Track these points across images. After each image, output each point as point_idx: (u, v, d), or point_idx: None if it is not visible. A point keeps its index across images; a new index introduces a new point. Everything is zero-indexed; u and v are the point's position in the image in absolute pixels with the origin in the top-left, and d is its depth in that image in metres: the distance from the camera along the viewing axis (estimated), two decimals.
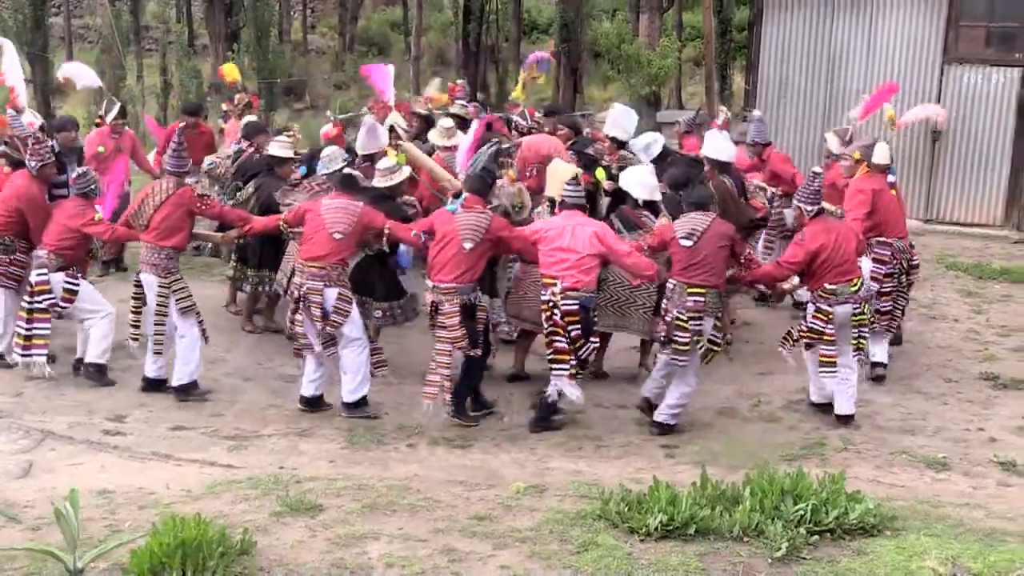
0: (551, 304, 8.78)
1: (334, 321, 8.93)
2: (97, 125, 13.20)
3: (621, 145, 11.61)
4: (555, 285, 8.76)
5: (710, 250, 8.77)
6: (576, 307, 8.76)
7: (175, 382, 9.46)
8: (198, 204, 9.53)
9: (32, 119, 11.66)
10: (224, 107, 15.28)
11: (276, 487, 7.20)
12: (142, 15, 30.89)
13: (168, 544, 5.58)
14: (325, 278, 8.91)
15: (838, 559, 5.98)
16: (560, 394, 8.87)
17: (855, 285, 9.10)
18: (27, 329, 9.56)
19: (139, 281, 9.50)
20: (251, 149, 11.72)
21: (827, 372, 9.09)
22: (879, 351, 10.22)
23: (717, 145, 10.89)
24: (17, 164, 10.23)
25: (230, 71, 15.79)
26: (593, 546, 6.12)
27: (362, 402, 9.21)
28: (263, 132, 12.04)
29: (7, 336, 9.96)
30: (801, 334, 9.28)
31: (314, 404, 9.32)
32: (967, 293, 13.51)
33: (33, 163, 9.82)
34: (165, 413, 9.11)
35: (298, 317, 9.07)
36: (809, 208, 9.20)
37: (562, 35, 26.90)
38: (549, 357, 8.97)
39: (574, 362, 8.81)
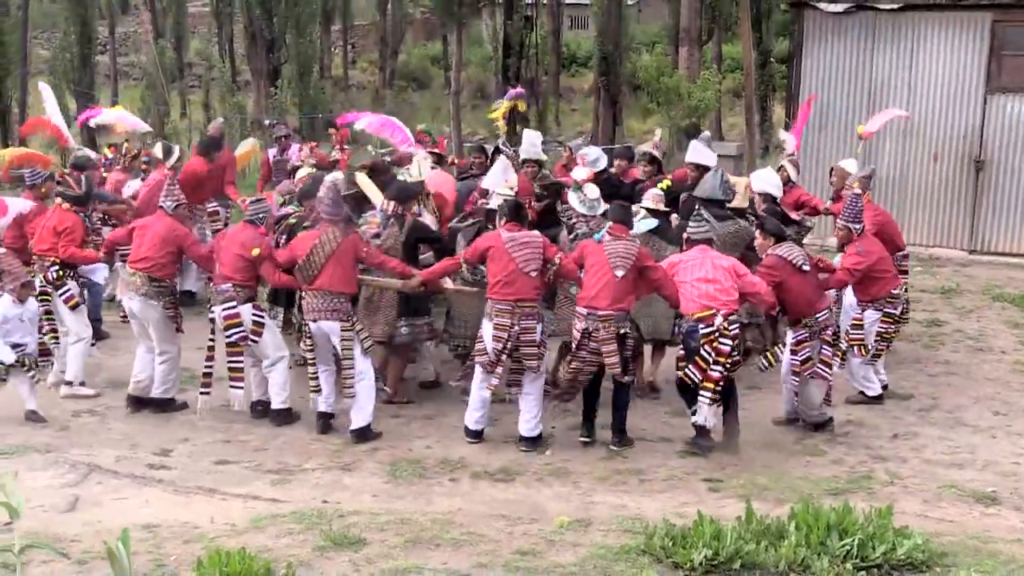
0: (715, 335, 8.81)
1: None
2: (144, 171, 13.28)
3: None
4: (715, 315, 8.83)
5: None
6: (737, 331, 9.01)
7: (357, 424, 9.38)
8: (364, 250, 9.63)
9: (93, 157, 12.00)
10: (109, 154, 14.28)
11: (320, 521, 7.23)
12: (186, 52, 31.34)
13: None
14: None
15: None
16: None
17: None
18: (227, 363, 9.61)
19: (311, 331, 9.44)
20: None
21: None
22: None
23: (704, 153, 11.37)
24: (74, 200, 10.50)
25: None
26: None
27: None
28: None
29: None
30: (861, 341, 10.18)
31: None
32: (1014, 324, 13.36)
33: (168, 203, 10.00)
34: (209, 447, 9.16)
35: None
36: (857, 227, 10.11)
37: (601, 68, 27.03)
38: (703, 384, 8.86)
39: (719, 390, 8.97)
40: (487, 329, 9.15)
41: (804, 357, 9.37)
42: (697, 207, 10.01)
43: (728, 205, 10.57)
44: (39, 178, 11.34)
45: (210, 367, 9.69)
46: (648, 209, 10.27)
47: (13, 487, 4.34)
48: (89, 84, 25.32)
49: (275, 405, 9.79)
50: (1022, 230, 16.95)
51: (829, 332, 9.47)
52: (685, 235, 9.44)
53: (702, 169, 11.07)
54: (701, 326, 8.84)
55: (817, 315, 9.39)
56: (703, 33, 26.83)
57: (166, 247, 9.83)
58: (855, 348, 10.19)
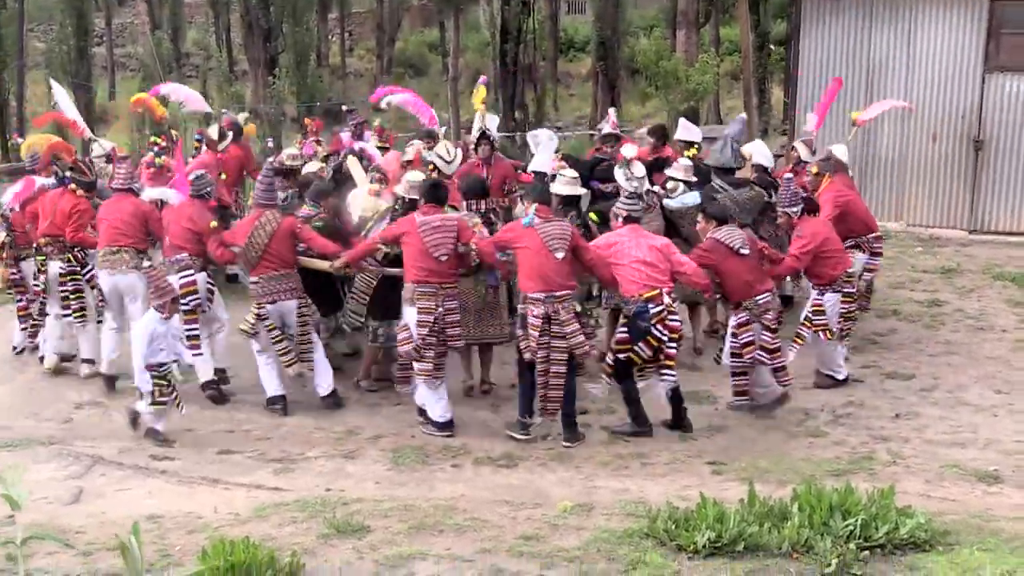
0: (665, 312, 8.90)
1: None
2: (196, 150, 13.67)
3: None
4: (662, 294, 8.94)
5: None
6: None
7: (325, 391, 9.91)
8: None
9: (105, 147, 12.37)
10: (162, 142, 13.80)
11: (323, 509, 7.24)
12: (183, 43, 31.28)
13: (217, 567, 5.62)
14: None
15: (889, 575, 5.92)
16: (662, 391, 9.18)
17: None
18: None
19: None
20: None
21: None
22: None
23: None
24: (87, 187, 10.84)
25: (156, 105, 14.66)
26: (641, 564, 6.10)
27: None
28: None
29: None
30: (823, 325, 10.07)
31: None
32: (1015, 303, 13.35)
33: (138, 186, 10.83)
34: (212, 437, 9.18)
35: None
36: (794, 210, 10.14)
37: (599, 52, 27.01)
38: (664, 363, 9.04)
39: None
40: (411, 314, 9.13)
41: (745, 340, 9.38)
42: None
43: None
44: (39, 164, 11.55)
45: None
46: (680, 181, 10.82)
47: (16, 479, 4.35)
48: (86, 76, 25.32)
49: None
50: (1022, 209, 16.91)
51: (770, 316, 9.41)
52: (623, 211, 9.32)
53: (689, 146, 11.60)
54: (651, 305, 8.90)
55: (757, 298, 9.36)
56: (700, 16, 26.78)
57: (139, 223, 10.40)
58: (821, 333, 10.06)
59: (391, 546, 6.51)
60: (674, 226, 11.03)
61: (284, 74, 26.87)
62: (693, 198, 10.79)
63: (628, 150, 11.10)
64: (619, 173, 10.67)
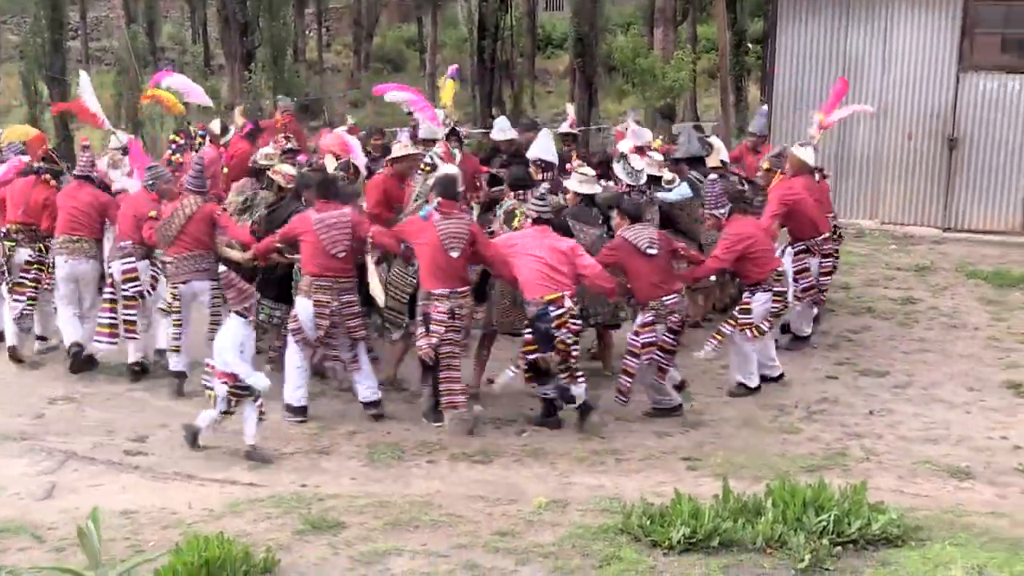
0: (567, 315, 8.85)
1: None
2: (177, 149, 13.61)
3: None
4: (563, 297, 8.85)
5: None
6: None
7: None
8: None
9: (124, 139, 12.41)
10: (179, 139, 14.12)
11: (298, 505, 7.23)
12: (158, 36, 31.13)
13: (192, 563, 5.61)
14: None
15: (862, 570, 5.97)
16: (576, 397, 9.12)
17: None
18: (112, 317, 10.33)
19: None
20: None
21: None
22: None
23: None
24: (57, 175, 11.20)
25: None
26: (616, 560, 6.12)
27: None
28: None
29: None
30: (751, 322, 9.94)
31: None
32: (987, 301, 13.45)
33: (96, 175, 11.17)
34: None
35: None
36: (719, 212, 9.99)
37: (576, 49, 26.95)
38: (575, 364, 9.05)
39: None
40: (305, 306, 9.25)
41: (645, 340, 9.29)
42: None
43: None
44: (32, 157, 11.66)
45: (113, 318, 10.35)
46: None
47: None
48: (61, 69, 25.07)
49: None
50: (995, 207, 17.05)
51: (675, 318, 9.29)
52: (532, 212, 9.27)
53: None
54: (551, 308, 8.84)
55: (664, 299, 9.26)
56: (678, 14, 26.77)
57: (95, 212, 10.71)
58: (747, 331, 9.88)
59: (366, 542, 6.51)
60: (671, 220, 11.10)
61: (260, 69, 26.75)
62: (683, 191, 11.19)
63: (625, 144, 11.24)
64: (618, 167, 10.78)
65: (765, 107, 14.27)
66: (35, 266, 10.92)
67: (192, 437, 8.60)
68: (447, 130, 11.83)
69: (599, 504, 7.29)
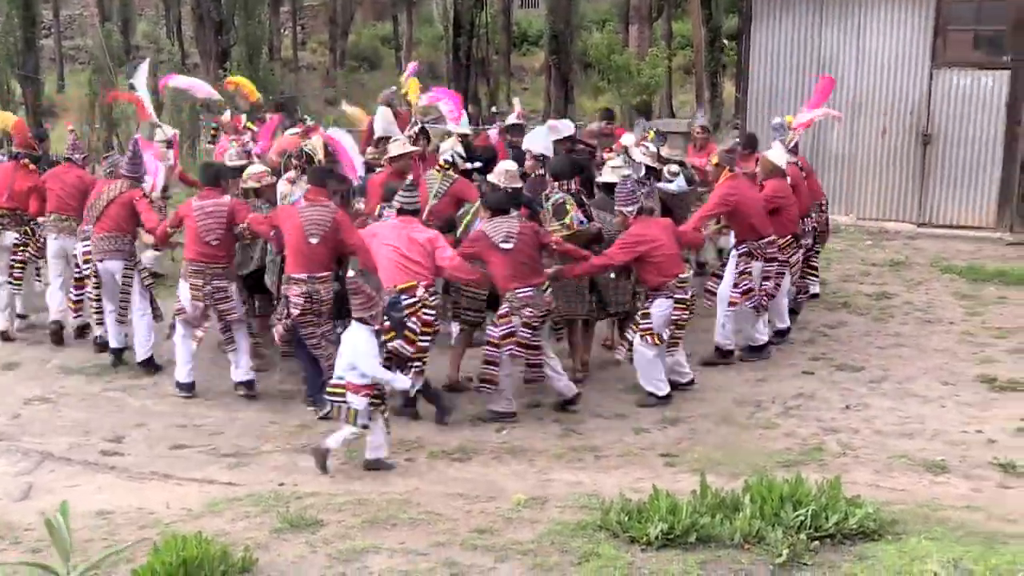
0: (419, 305, 8.93)
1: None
2: (214, 138, 14.03)
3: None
4: (417, 286, 8.94)
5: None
6: (438, 302, 9.35)
7: (142, 356, 10.58)
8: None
9: (167, 133, 12.69)
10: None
11: (276, 504, 7.21)
12: (132, 35, 30.93)
13: (169, 563, 5.59)
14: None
15: (839, 564, 5.99)
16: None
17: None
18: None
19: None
20: None
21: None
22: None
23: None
24: (36, 160, 11.81)
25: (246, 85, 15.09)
26: (594, 556, 6.13)
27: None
28: None
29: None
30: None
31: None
32: (962, 296, 13.54)
33: (76, 156, 11.79)
34: (164, 432, 9.10)
35: None
36: (628, 210, 9.75)
37: (552, 46, 27.03)
38: (416, 355, 8.99)
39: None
40: (184, 289, 9.81)
41: (502, 331, 9.28)
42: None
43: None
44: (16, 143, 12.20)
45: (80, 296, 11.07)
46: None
47: None
48: (34, 68, 24.96)
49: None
50: (969, 202, 17.17)
51: (529, 312, 9.18)
52: (397, 204, 9.32)
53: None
54: (404, 297, 8.92)
55: (517, 291, 9.21)
56: (653, 10, 26.84)
57: (80, 193, 11.31)
58: (646, 338, 9.65)
59: (345, 540, 6.50)
60: (671, 210, 11.14)
61: (236, 67, 26.65)
62: (680, 183, 11.44)
63: (627, 139, 11.37)
64: (620, 160, 10.85)
65: (778, 119, 13.44)
66: (20, 248, 11.59)
67: (323, 460, 8.16)
68: (418, 127, 11.90)
69: (577, 501, 7.30)
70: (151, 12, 39.05)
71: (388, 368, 8.56)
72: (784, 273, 11.17)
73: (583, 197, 10.50)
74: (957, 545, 6.19)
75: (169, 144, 12.45)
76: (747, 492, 6.65)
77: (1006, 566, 5.76)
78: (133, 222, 10.54)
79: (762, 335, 11.09)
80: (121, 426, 9.21)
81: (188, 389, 9.96)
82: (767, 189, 11.12)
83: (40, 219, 11.57)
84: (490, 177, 10.32)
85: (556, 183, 10.33)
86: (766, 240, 10.80)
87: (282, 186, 10.80)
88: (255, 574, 5.97)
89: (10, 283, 11.61)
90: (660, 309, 9.66)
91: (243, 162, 11.24)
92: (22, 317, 12.00)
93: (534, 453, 8.62)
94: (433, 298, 9.07)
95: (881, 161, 17.56)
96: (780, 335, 11.52)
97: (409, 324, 8.89)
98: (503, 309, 9.31)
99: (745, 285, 10.75)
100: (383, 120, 12.37)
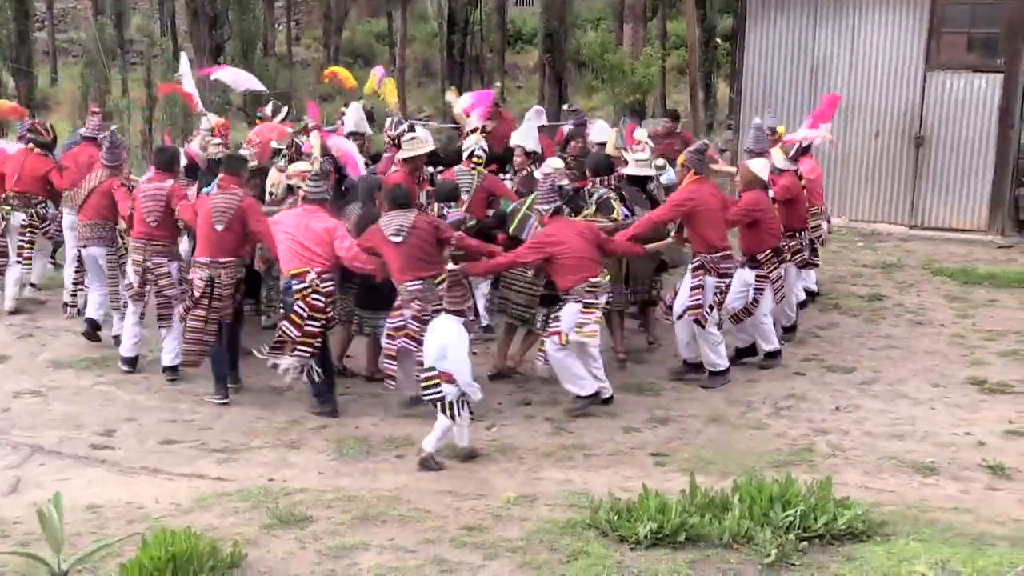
0: (308, 291, 9.17)
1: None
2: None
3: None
4: (309, 273, 9.19)
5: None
6: (333, 287, 9.41)
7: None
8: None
9: (212, 121, 12.70)
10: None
11: (266, 499, 7.21)
12: (126, 29, 30.77)
13: (158, 558, 5.58)
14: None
15: (827, 565, 6.01)
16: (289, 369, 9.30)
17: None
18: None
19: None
20: None
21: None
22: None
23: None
24: (43, 145, 12.31)
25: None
26: (583, 555, 6.14)
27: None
28: None
29: None
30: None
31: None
32: (953, 298, 13.57)
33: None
34: (154, 427, 9.09)
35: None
36: (544, 208, 9.64)
37: (546, 45, 27.00)
38: (301, 339, 9.18)
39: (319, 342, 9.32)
40: (129, 265, 10.41)
41: (394, 324, 9.31)
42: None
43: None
44: None
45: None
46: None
47: None
48: (27, 61, 24.88)
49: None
50: (961, 205, 17.20)
51: (417, 305, 9.13)
52: (302, 192, 9.73)
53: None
54: (294, 282, 9.21)
55: (407, 284, 9.22)
56: (648, 10, 26.82)
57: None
58: (554, 339, 9.41)
59: (334, 536, 6.50)
60: (656, 203, 11.18)
61: (230, 62, 26.59)
62: (671, 176, 11.52)
63: (640, 133, 11.54)
64: (645, 155, 10.97)
65: (757, 119, 13.04)
66: (28, 229, 12.23)
67: (433, 465, 8.20)
68: (404, 126, 12.00)
69: (567, 499, 7.32)
70: (145, 6, 38.92)
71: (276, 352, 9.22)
72: (763, 290, 10.55)
73: (622, 192, 10.73)
74: (945, 546, 6.21)
75: (212, 132, 12.50)
76: (736, 492, 6.67)
77: (994, 568, 5.78)
78: (114, 210, 10.83)
79: (721, 359, 10.33)
80: (111, 420, 9.20)
81: (130, 364, 10.49)
82: (743, 201, 10.63)
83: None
84: (538, 172, 10.45)
85: (596, 179, 10.63)
86: (720, 254, 10.12)
87: (273, 175, 10.91)
88: (244, 570, 5.97)
89: (19, 262, 12.28)
90: (568, 312, 9.39)
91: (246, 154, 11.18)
92: (34, 287, 12.87)
93: (524, 451, 8.62)
94: (325, 285, 9.24)
95: (874, 163, 17.58)
96: (770, 357, 10.88)
97: (296, 308, 9.18)
98: (396, 301, 9.39)
99: (695, 300, 10.05)
100: (354, 116, 12.51)
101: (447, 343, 8.20)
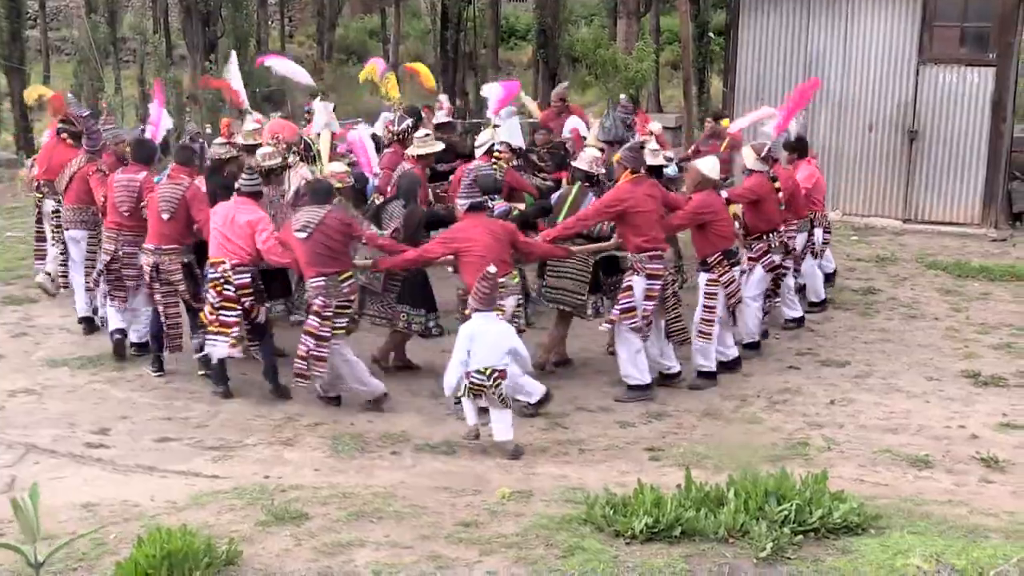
0: (220, 280, 9.42)
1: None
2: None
3: None
4: (224, 263, 9.43)
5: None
6: (249, 280, 9.53)
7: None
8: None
9: (257, 119, 12.81)
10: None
11: (261, 496, 7.21)
12: (119, 27, 30.66)
13: (154, 556, 5.58)
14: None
15: (823, 558, 6.02)
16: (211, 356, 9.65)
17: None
18: None
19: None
20: None
21: None
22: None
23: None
24: (75, 136, 12.03)
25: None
26: (579, 550, 6.15)
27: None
28: None
29: None
30: None
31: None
32: (946, 291, 13.59)
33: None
34: (149, 425, 9.08)
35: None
36: (460, 203, 9.86)
37: (539, 41, 26.96)
38: (213, 326, 9.45)
39: (237, 331, 9.45)
40: (100, 253, 10.88)
41: (299, 319, 9.63)
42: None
43: None
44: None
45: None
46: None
47: None
48: (20, 59, 24.78)
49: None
50: (954, 199, 17.23)
51: (319, 302, 9.16)
52: (237, 184, 9.75)
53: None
54: (210, 270, 9.57)
55: (311, 280, 9.28)
56: (641, 5, 26.77)
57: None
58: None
59: (330, 533, 6.51)
60: None
61: (223, 59, 26.55)
62: (673, 169, 11.48)
63: (655, 126, 11.68)
64: (648, 146, 11.01)
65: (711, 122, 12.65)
66: (55, 214, 12.19)
67: (515, 453, 8.41)
68: (409, 122, 12.00)
69: (563, 495, 7.32)
70: (138, 3, 38.81)
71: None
72: (715, 294, 10.12)
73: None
74: (940, 539, 6.23)
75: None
76: (731, 486, 6.68)
77: (987, 560, 5.80)
78: (91, 195, 11.25)
79: (671, 361, 10.17)
80: (106, 418, 9.18)
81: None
82: (692, 202, 10.21)
83: None
84: (576, 163, 10.57)
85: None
86: (648, 254, 9.75)
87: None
88: (240, 567, 5.98)
89: (54, 244, 12.42)
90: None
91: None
92: (48, 275, 12.75)
93: (520, 447, 8.61)
94: (239, 277, 9.42)
95: (867, 157, 17.60)
96: (727, 367, 10.49)
97: (209, 296, 9.51)
98: (306, 296, 9.53)
99: (625, 303, 9.72)
100: (323, 114, 12.48)
101: (520, 347, 8.59)
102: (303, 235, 9.24)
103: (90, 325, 11.51)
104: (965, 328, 12.02)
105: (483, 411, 8.57)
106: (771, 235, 11.06)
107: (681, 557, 6.03)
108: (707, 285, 10.18)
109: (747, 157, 11.19)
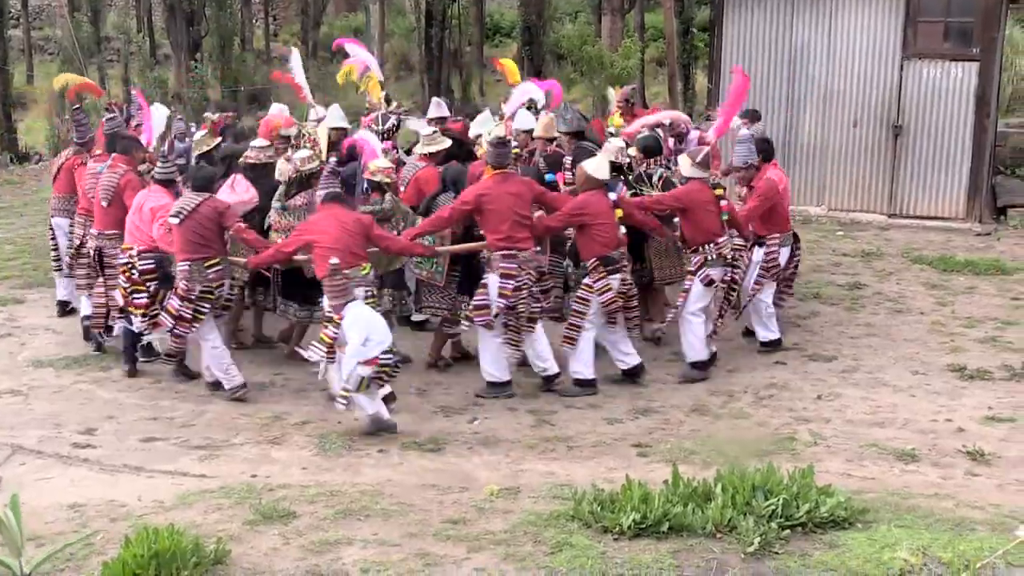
0: (128, 266, 9.86)
1: None
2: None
3: None
4: (132, 249, 9.87)
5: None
6: (153, 266, 9.87)
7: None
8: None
9: (319, 113, 12.92)
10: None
11: (249, 495, 7.21)
12: (103, 26, 30.61)
13: (141, 555, 5.58)
14: None
15: (810, 552, 6.04)
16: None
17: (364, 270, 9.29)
18: None
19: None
20: None
21: None
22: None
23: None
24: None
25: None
26: (567, 546, 6.16)
27: None
28: None
29: None
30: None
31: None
32: (932, 286, 13.63)
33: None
34: (135, 425, 9.06)
35: None
36: (320, 194, 9.71)
37: (524, 38, 27.00)
38: (129, 306, 9.96)
39: (154, 313, 9.84)
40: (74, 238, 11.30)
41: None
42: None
43: None
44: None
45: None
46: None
47: None
48: (2, 59, 24.73)
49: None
50: (939, 193, 17.27)
51: (183, 285, 9.47)
52: (152, 172, 10.48)
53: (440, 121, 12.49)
54: (121, 256, 10.04)
55: (179, 264, 9.65)
56: (625, 2, 26.82)
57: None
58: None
59: (317, 532, 6.51)
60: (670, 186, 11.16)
61: (207, 58, 26.55)
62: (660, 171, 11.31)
63: (654, 119, 11.88)
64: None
65: (745, 130, 12.13)
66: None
67: (388, 426, 8.87)
68: (393, 120, 12.09)
69: (550, 491, 7.33)
70: (121, 2, 38.72)
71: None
72: (587, 300, 9.74)
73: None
74: (926, 532, 6.26)
75: (317, 123, 12.58)
76: (719, 481, 6.70)
77: (974, 552, 5.83)
78: (74, 186, 11.61)
79: (502, 371, 9.82)
80: (92, 419, 9.16)
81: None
82: (569, 203, 9.85)
83: None
84: (601, 155, 10.48)
85: (650, 160, 11.05)
86: (502, 252, 9.54)
87: (281, 164, 10.79)
88: (228, 566, 5.97)
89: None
90: (325, 302, 9.06)
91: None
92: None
93: (507, 444, 8.62)
94: (143, 262, 9.81)
95: (852, 152, 17.63)
96: (629, 375, 10.16)
97: (120, 280, 9.99)
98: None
99: (480, 300, 9.63)
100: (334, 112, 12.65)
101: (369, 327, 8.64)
102: (175, 220, 9.52)
103: (63, 308, 12.11)
104: (951, 322, 12.05)
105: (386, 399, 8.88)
106: (707, 247, 10.18)
107: (669, 552, 6.04)
108: (581, 289, 9.90)
109: (682, 164, 10.51)
